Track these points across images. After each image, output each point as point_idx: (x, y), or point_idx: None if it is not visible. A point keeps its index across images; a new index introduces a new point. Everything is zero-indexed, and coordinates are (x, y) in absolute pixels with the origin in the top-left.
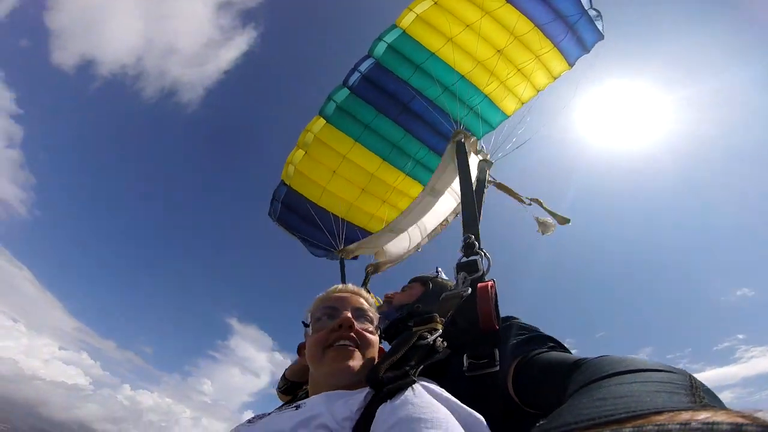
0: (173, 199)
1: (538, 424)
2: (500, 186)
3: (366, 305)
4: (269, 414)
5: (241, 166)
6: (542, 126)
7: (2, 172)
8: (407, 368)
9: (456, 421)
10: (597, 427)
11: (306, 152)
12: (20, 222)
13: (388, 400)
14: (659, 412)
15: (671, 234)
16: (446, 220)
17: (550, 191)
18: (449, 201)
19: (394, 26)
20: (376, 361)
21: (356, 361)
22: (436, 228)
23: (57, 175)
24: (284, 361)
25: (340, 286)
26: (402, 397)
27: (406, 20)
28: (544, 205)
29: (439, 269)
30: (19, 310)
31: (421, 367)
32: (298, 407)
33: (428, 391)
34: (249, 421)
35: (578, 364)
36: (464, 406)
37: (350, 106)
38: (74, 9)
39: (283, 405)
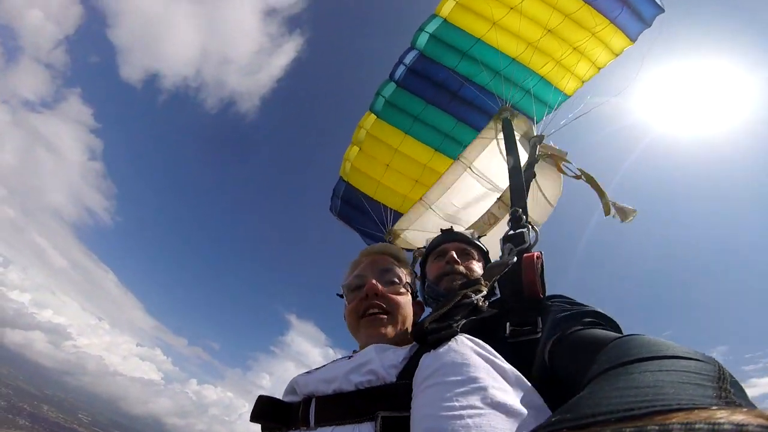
0: (240, 202)
1: (554, 413)
2: (550, 154)
3: (392, 263)
4: (325, 365)
5: (300, 168)
6: (600, 104)
7: (88, 183)
8: (450, 322)
9: (498, 372)
10: (616, 423)
11: (360, 148)
12: (105, 228)
13: (432, 350)
14: (680, 410)
15: (752, 228)
16: (494, 215)
17: (606, 174)
18: (487, 189)
19: (435, 15)
20: (410, 319)
21: (388, 328)
22: (482, 220)
23: (135, 184)
24: (335, 356)
25: (368, 248)
26: (446, 346)
27: (446, 8)
28: (597, 185)
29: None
30: (104, 309)
31: (464, 321)
32: (350, 357)
33: (473, 342)
34: (307, 372)
35: (606, 343)
36: (507, 362)
37: (398, 99)
38: (133, 25)
39: (339, 358)
